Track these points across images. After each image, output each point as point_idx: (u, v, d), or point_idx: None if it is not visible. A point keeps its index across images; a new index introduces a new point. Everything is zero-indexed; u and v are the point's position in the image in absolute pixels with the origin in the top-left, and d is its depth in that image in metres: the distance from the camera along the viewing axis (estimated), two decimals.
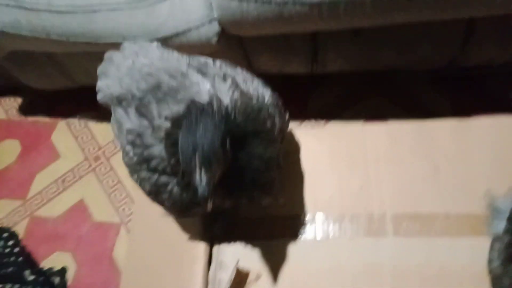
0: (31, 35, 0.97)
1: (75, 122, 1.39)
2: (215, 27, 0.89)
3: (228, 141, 0.43)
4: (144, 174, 0.52)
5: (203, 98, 0.48)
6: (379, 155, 0.65)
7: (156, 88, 0.52)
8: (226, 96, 0.49)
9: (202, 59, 0.59)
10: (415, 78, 1.20)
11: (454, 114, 1.14)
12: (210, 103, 0.46)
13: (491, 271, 0.54)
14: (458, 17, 0.83)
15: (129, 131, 0.53)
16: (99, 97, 0.62)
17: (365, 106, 1.21)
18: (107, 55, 0.64)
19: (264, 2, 0.79)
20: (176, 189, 0.50)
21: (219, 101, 0.47)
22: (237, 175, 0.46)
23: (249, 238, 0.62)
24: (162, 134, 0.48)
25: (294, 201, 0.64)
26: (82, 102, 1.41)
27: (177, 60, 0.57)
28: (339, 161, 0.66)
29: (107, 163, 1.28)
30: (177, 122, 0.46)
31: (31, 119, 1.44)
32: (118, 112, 0.56)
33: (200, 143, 0.40)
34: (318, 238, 0.61)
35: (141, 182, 0.53)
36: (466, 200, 0.60)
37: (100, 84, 0.61)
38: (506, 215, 0.53)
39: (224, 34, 0.91)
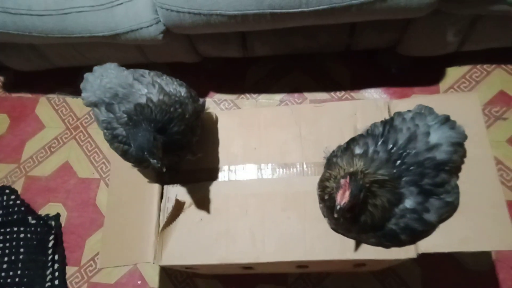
0: (16, 33, 1.22)
1: (54, 97, 1.66)
2: (161, 27, 1.16)
3: (156, 135, 0.74)
4: (116, 144, 0.83)
5: (143, 99, 0.79)
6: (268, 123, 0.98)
7: (115, 95, 0.82)
8: (155, 97, 0.80)
9: (140, 71, 0.88)
10: (327, 58, 1.52)
11: (352, 83, 1.48)
12: (146, 103, 0.77)
13: None
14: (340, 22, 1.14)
15: (103, 121, 0.84)
16: (84, 102, 0.91)
17: (290, 79, 1.53)
18: (85, 75, 0.92)
19: (195, 14, 1.07)
20: (133, 152, 0.82)
21: (151, 100, 0.78)
22: (170, 145, 0.79)
23: (186, 182, 0.95)
24: (122, 121, 0.80)
25: (213, 157, 0.98)
26: (59, 80, 1.67)
27: (126, 76, 0.86)
28: (242, 129, 0.99)
29: (85, 132, 1.57)
30: (130, 115, 0.77)
31: (15, 95, 1.70)
32: (95, 111, 0.86)
33: (143, 146, 0.71)
34: (232, 179, 0.95)
35: (115, 149, 0.85)
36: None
37: (83, 95, 0.89)
38: None
39: (170, 32, 1.19)
